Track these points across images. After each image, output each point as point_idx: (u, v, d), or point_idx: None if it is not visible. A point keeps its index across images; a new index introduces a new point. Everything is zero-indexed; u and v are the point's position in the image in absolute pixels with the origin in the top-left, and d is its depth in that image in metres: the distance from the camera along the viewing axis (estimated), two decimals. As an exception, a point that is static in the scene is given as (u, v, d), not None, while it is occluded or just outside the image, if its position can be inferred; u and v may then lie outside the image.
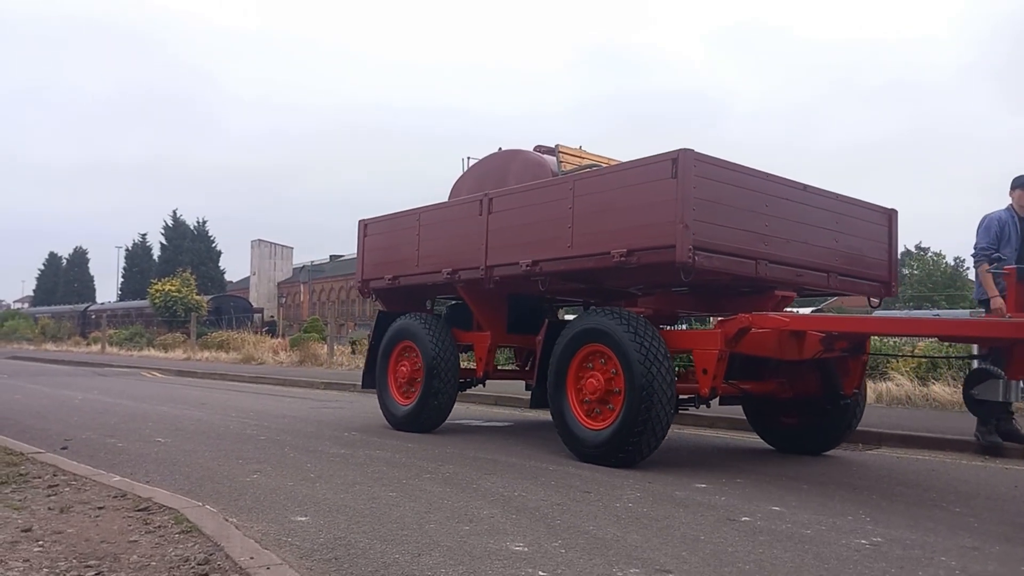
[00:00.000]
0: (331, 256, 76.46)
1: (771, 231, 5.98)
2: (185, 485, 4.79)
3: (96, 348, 33.79)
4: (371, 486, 4.88)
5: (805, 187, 6.29)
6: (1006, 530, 4.16)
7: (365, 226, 8.82)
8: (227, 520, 3.76)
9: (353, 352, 22.14)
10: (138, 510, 3.85)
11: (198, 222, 67.05)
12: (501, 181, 7.54)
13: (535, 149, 8.13)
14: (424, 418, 7.60)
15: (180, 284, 39.33)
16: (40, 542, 3.30)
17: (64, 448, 6.14)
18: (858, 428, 6.91)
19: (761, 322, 5.67)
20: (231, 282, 73.41)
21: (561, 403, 6.15)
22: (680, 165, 5.44)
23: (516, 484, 5.05)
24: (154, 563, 3.03)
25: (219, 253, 67.23)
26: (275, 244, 71.97)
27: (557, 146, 7.60)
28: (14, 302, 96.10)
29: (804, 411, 6.72)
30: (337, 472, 5.36)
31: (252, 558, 3.08)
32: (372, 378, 8.41)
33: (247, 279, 72.70)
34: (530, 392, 9.71)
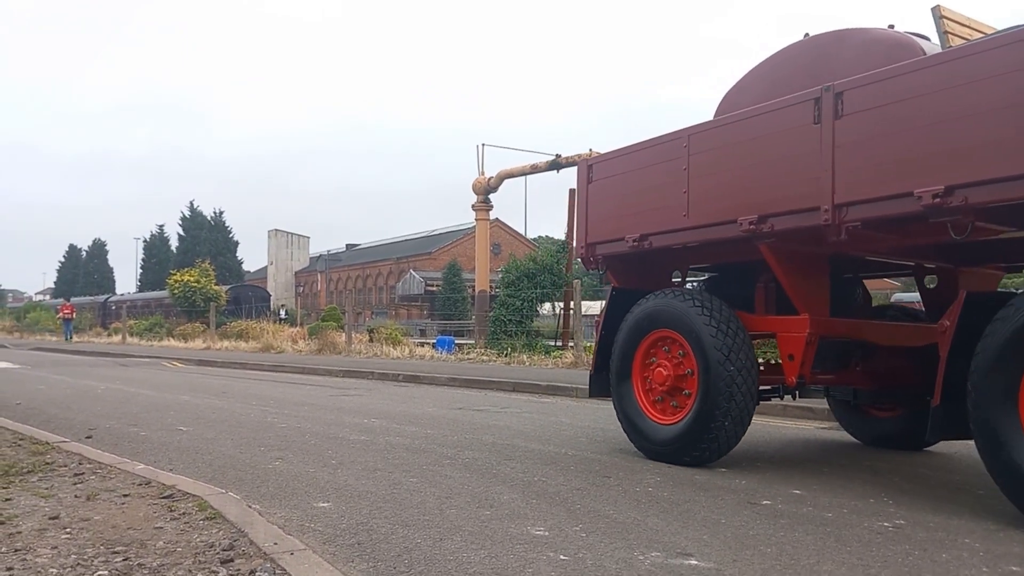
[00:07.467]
0: (347, 245, 76.85)
1: None
2: (208, 472, 4.84)
3: (117, 339, 34.13)
4: (392, 472, 4.91)
5: None
6: (1031, 512, 4.13)
7: (589, 168, 6.19)
8: (250, 506, 3.80)
9: (371, 340, 22.26)
10: (162, 497, 3.90)
11: (215, 213, 67.62)
12: (820, 78, 4.79)
13: None
14: (703, 445, 5.13)
15: (199, 274, 39.67)
16: (67, 529, 3.35)
17: (88, 437, 6.23)
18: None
19: None
20: (249, 272, 73.92)
21: (1005, 432, 3.81)
22: None
23: (536, 469, 5.07)
24: (180, 549, 3.07)
25: (236, 243, 67.84)
26: (292, 234, 72.28)
27: (937, 8, 4.94)
28: (36, 294, 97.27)
29: None
30: (358, 458, 5.40)
31: (276, 544, 3.11)
32: (603, 382, 5.95)
33: (264, 269, 73.17)
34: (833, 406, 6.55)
